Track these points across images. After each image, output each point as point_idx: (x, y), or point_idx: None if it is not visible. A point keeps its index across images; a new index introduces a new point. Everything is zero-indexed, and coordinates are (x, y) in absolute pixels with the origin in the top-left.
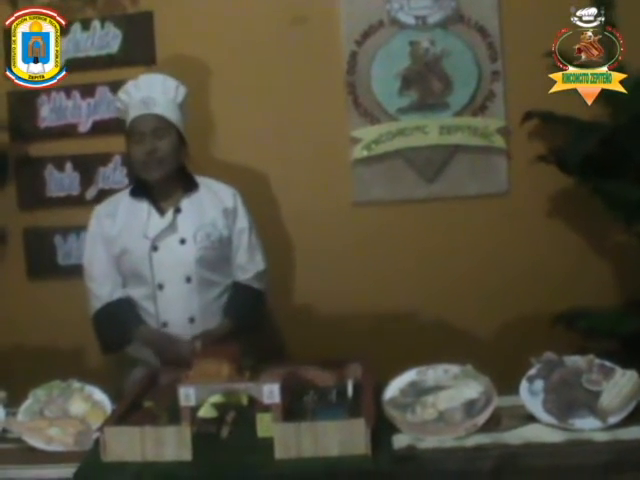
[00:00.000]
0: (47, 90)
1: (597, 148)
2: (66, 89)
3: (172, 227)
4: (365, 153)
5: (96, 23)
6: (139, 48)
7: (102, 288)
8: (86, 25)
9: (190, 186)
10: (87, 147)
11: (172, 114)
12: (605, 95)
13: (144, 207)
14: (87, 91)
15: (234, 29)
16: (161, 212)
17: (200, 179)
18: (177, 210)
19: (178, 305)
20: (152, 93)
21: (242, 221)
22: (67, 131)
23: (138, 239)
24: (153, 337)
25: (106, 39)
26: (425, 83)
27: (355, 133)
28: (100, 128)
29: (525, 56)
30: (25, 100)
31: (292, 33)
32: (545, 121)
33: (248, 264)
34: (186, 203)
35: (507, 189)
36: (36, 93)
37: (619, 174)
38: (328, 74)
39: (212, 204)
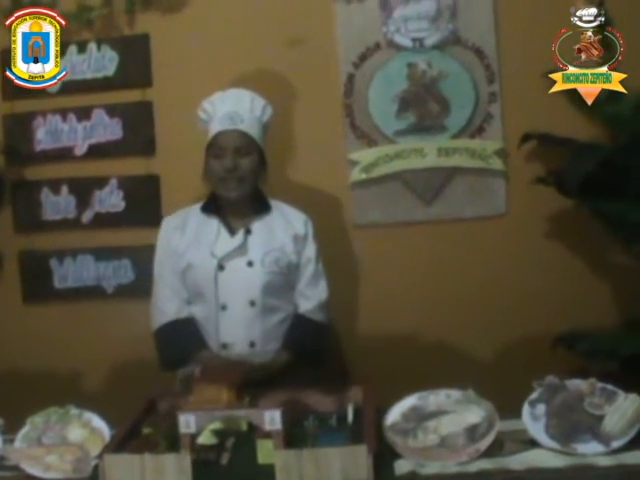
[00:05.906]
0: (43, 113)
1: (596, 169)
2: (62, 112)
3: (241, 248)
4: (363, 176)
5: (92, 45)
6: (136, 71)
7: (169, 304)
8: (82, 47)
9: (263, 208)
10: (83, 170)
11: (257, 133)
12: (605, 116)
13: (214, 224)
14: (83, 114)
15: (231, 51)
16: (231, 232)
17: (273, 202)
18: (248, 231)
19: (240, 328)
20: (239, 109)
21: (310, 248)
22: (63, 154)
23: (205, 256)
24: (214, 362)
25: (102, 62)
26: (422, 105)
27: (353, 156)
28: (96, 151)
29: (522, 78)
30: (21, 123)
31: (289, 55)
32: (543, 143)
33: (311, 292)
34: (257, 225)
35: (505, 211)
36: (32, 116)
37: (618, 195)
38: (325, 97)
39: (283, 229)
